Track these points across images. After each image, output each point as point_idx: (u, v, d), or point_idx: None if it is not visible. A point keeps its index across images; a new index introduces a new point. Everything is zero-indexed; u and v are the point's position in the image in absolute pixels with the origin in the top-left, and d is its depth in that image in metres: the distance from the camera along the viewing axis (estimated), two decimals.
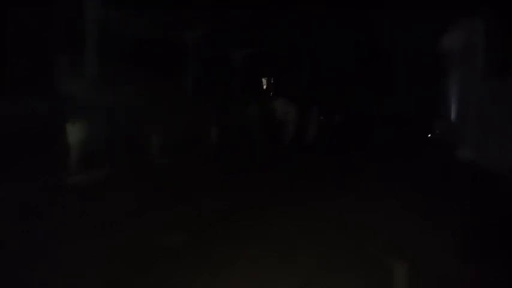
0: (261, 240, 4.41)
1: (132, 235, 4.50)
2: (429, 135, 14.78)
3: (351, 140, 15.75)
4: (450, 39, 12.73)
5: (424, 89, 16.36)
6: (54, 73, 8.25)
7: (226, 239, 4.42)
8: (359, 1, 10.41)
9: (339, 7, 10.61)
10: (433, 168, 9.32)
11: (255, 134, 13.67)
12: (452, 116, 13.12)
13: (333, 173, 8.82)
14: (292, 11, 11.31)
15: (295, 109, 14.34)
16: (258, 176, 8.11)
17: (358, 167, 9.48)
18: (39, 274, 3.48)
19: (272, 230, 4.79)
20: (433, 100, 15.46)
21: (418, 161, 10.26)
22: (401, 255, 4.06)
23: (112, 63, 9.22)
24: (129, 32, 10.23)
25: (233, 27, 12.89)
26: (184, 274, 3.55)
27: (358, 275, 3.62)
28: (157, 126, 9.46)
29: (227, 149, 11.45)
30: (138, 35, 10.59)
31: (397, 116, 19.16)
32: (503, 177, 7.69)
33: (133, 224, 4.88)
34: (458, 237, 4.63)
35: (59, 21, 8.26)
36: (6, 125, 6.74)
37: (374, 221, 5.21)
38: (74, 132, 7.32)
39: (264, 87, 18.07)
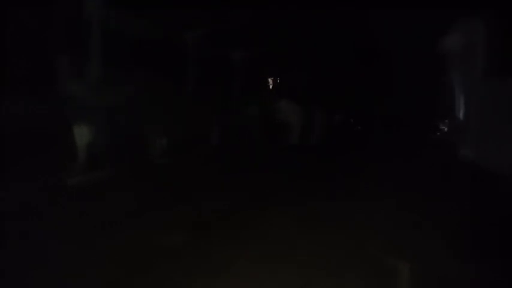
0: (261, 240, 4.41)
1: (132, 235, 4.50)
2: (438, 134, 14.76)
3: (351, 140, 15.76)
4: (450, 39, 12.73)
5: (424, 89, 16.37)
6: (54, 73, 8.25)
7: (226, 239, 4.42)
8: (360, 1, 10.43)
9: (340, 7, 10.62)
10: (433, 168, 9.32)
11: (255, 134, 13.68)
12: (453, 116, 13.12)
13: (333, 173, 8.83)
14: (293, 11, 11.32)
15: (300, 109, 14.38)
16: (258, 176, 8.11)
17: (359, 167, 9.49)
18: (39, 274, 3.48)
19: (272, 230, 4.79)
20: (434, 100, 15.47)
21: (418, 161, 10.27)
22: (401, 255, 4.06)
23: (112, 64, 9.22)
24: (129, 32, 10.23)
25: (234, 27, 12.89)
26: (184, 274, 3.55)
27: (358, 275, 3.62)
28: (157, 127, 9.46)
29: (227, 149, 11.45)
30: (138, 35, 10.59)
31: (397, 116, 19.18)
32: (503, 177, 7.69)
33: (133, 224, 4.88)
34: (458, 237, 4.63)
35: (60, 21, 8.26)
36: (6, 125, 6.75)
37: (374, 221, 5.21)
38: (74, 133, 7.32)
39: (270, 87, 18.04)
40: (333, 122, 18.31)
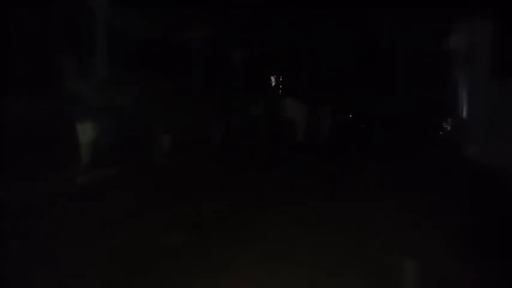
0: (261, 240, 4.40)
1: (132, 235, 4.50)
2: (441, 133, 14.75)
3: (351, 140, 15.76)
4: (453, 39, 12.72)
5: (425, 89, 16.38)
6: (58, 73, 8.25)
7: (226, 239, 4.42)
8: (362, 1, 10.44)
9: (343, 7, 10.63)
10: (433, 168, 9.31)
11: (259, 133, 13.69)
12: (456, 115, 13.11)
13: (333, 173, 8.82)
14: (294, 12, 11.33)
15: (305, 108, 14.39)
16: (258, 176, 8.11)
17: (359, 167, 9.49)
18: (39, 274, 3.48)
19: (272, 230, 4.79)
20: (435, 100, 15.47)
21: (418, 161, 10.27)
22: (401, 255, 4.05)
23: (115, 64, 9.23)
24: (133, 32, 10.24)
25: (237, 28, 12.90)
26: (184, 274, 3.54)
27: (358, 275, 3.61)
28: (160, 126, 9.45)
29: (228, 149, 11.45)
30: (142, 35, 10.59)
31: (398, 116, 19.18)
32: (504, 177, 7.69)
33: (133, 224, 4.88)
34: (458, 237, 4.63)
35: (65, 22, 8.27)
36: (10, 125, 6.75)
37: (374, 221, 5.21)
38: (78, 133, 7.33)
39: (273, 84, 18.05)
40: (334, 122, 18.35)
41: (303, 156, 11.22)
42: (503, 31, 8.98)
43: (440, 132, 14.66)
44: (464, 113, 11.75)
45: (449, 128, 13.66)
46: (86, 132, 7.38)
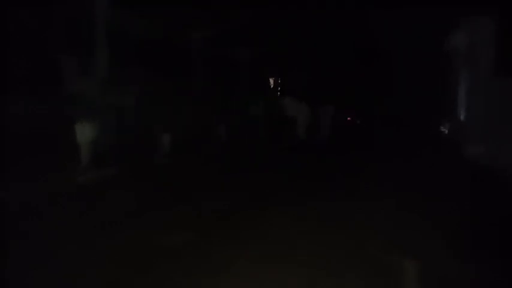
0: (261, 240, 4.41)
1: (132, 235, 4.50)
2: (441, 132, 14.75)
3: (351, 139, 15.75)
4: (453, 39, 12.73)
5: (425, 89, 16.38)
6: (60, 73, 8.26)
7: (226, 239, 4.42)
8: (364, 1, 10.44)
9: (345, 7, 10.64)
10: (433, 168, 9.31)
11: (259, 132, 13.69)
12: (456, 115, 13.13)
13: (333, 173, 8.82)
14: (294, 12, 11.33)
15: (304, 107, 14.41)
16: (258, 176, 8.10)
17: (359, 167, 9.48)
18: (39, 274, 3.48)
19: (272, 230, 4.79)
20: (436, 100, 15.48)
21: (418, 161, 10.27)
22: (401, 255, 4.05)
23: (115, 64, 9.23)
24: (134, 32, 10.25)
25: (237, 28, 12.91)
26: (184, 274, 3.54)
27: (358, 275, 3.62)
28: (161, 126, 9.45)
29: (229, 149, 11.45)
30: (143, 35, 10.60)
31: (398, 116, 19.18)
32: (504, 177, 7.69)
33: (133, 224, 4.88)
34: (458, 237, 4.63)
35: (63, 22, 8.27)
36: (6, 126, 6.75)
37: (374, 221, 5.21)
38: (78, 132, 7.33)
39: (271, 86, 18.09)
40: (334, 122, 18.37)
41: (303, 156, 11.21)
42: (504, 31, 8.98)
43: (441, 132, 14.67)
44: (465, 113, 11.77)
45: (449, 127, 13.67)
46: (86, 132, 7.38)
